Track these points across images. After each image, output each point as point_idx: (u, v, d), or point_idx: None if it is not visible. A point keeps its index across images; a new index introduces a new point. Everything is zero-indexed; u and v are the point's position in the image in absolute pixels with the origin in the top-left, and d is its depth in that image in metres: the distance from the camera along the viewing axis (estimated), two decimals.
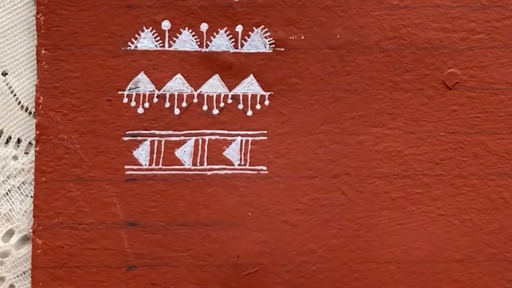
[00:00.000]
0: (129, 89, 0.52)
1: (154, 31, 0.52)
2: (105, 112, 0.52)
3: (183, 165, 0.52)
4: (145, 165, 0.52)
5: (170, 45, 0.52)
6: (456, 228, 0.52)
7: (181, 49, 0.52)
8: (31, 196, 0.52)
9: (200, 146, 0.52)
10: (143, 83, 0.52)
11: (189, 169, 0.52)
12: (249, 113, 0.52)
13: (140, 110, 0.52)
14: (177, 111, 0.52)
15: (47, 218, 0.52)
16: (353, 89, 0.52)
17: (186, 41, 0.52)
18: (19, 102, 0.53)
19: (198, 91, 0.52)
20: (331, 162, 0.52)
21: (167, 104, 0.52)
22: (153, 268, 0.52)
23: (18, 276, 0.53)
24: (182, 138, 0.52)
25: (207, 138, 0.52)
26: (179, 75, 0.52)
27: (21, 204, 0.53)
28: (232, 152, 0.52)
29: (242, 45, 0.52)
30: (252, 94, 0.52)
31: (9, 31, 0.53)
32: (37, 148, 0.52)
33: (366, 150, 0.52)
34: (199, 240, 0.52)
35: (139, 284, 0.52)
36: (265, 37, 0.52)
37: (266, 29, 0.52)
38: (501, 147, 0.52)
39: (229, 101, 0.52)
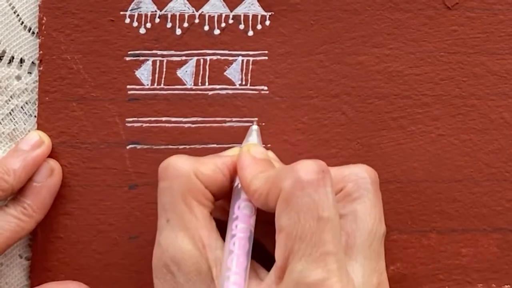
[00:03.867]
0: (131, 10, 0.53)
1: None
2: (107, 32, 0.52)
3: (184, 85, 0.53)
4: (147, 85, 0.53)
5: None
6: (456, 148, 0.53)
7: None
8: (35, 116, 0.53)
9: (201, 66, 0.53)
10: (145, 4, 0.53)
11: (191, 89, 0.53)
12: (250, 33, 0.53)
13: (142, 31, 0.53)
14: (178, 31, 0.53)
15: (50, 137, 0.52)
16: (353, 10, 0.53)
17: None
18: (22, 22, 0.53)
19: (200, 11, 0.53)
20: (331, 82, 0.53)
21: (169, 25, 0.53)
22: (155, 187, 0.52)
23: None
24: (184, 58, 0.53)
25: (208, 58, 0.53)
26: None
27: (24, 124, 0.53)
28: (233, 72, 0.53)
29: None
30: (253, 14, 0.53)
31: None
32: (41, 68, 0.52)
33: (366, 70, 0.53)
34: None
35: (140, 203, 0.52)
36: None
37: None
38: (501, 67, 0.53)
39: (230, 21, 0.53)
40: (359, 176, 0.47)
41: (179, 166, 0.46)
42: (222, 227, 0.47)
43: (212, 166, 0.47)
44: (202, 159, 0.48)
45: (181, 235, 0.45)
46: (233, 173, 0.47)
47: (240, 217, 0.46)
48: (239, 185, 0.47)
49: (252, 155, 0.47)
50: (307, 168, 0.44)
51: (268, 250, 0.48)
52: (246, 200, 0.46)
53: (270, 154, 0.50)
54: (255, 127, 0.51)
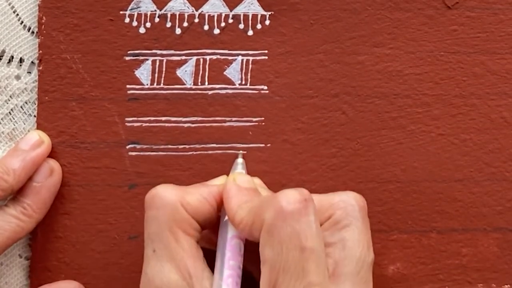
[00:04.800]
0: (131, 9, 0.52)
1: None
2: (107, 31, 0.52)
3: (184, 84, 0.52)
4: (147, 84, 0.52)
5: None
6: (456, 147, 0.52)
7: None
8: (34, 115, 0.53)
9: (201, 66, 0.53)
10: (144, 3, 0.52)
11: (190, 89, 0.53)
12: (250, 32, 0.53)
13: (142, 30, 0.53)
14: (178, 31, 0.53)
15: (49, 137, 0.52)
16: (353, 9, 0.53)
17: None
18: (22, 22, 0.53)
19: (199, 10, 0.53)
20: (331, 82, 0.52)
21: (169, 24, 0.53)
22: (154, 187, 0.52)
23: None
24: (183, 57, 0.53)
25: (208, 57, 0.53)
26: None
27: (24, 123, 0.53)
28: (233, 72, 0.53)
29: None
30: (252, 14, 0.53)
31: None
32: (40, 68, 0.52)
33: (366, 69, 0.52)
34: (200, 159, 0.52)
35: (140, 202, 0.52)
36: None
37: None
38: (501, 66, 0.53)
39: (230, 20, 0.53)
40: (348, 203, 0.47)
41: (165, 196, 0.47)
42: (208, 255, 0.47)
43: (198, 197, 0.47)
44: (189, 188, 0.48)
45: (167, 266, 0.46)
46: (220, 202, 0.48)
47: (232, 253, 0.46)
48: (226, 218, 0.47)
49: (237, 185, 0.48)
50: (289, 197, 0.44)
51: (254, 277, 0.48)
52: (236, 236, 0.47)
53: (257, 181, 0.51)
54: (240, 160, 0.51)
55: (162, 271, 0.45)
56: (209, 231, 0.49)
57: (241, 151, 0.52)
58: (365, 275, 0.46)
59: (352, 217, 0.47)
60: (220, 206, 0.48)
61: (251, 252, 0.47)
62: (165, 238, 0.46)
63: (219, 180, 0.50)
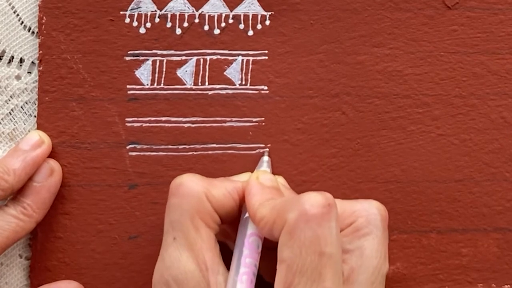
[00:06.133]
0: (131, 9, 0.53)
1: None
2: (107, 32, 0.52)
3: (184, 84, 0.53)
4: (147, 84, 0.52)
5: None
6: (456, 147, 0.52)
7: None
8: (34, 116, 0.53)
9: (201, 66, 0.53)
10: (144, 3, 0.52)
11: (191, 89, 0.53)
12: (250, 33, 0.53)
13: (142, 30, 0.53)
14: (178, 31, 0.53)
15: (50, 137, 0.52)
16: (353, 9, 0.53)
17: None
18: (22, 22, 0.53)
19: (200, 11, 0.53)
20: (331, 82, 0.52)
21: (169, 24, 0.53)
22: (155, 187, 0.52)
23: None
24: (184, 58, 0.53)
25: (208, 58, 0.53)
26: None
27: (24, 124, 0.53)
28: (233, 72, 0.53)
29: None
30: (253, 14, 0.53)
31: None
32: (40, 68, 0.52)
33: (366, 70, 0.52)
34: (200, 159, 0.52)
35: (140, 202, 0.52)
36: None
37: None
38: (501, 67, 0.53)
39: (230, 21, 0.53)
40: (370, 212, 0.47)
41: (192, 185, 0.47)
42: (223, 250, 0.47)
43: (223, 191, 0.47)
44: (214, 181, 0.48)
45: (186, 254, 0.45)
46: (242, 199, 0.48)
47: (249, 251, 0.46)
48: (247, 215, 0.47)
49: (260, 183, 0.48)
50: (313, 200, 0.44)
51: (261, 274, 0.49)
52: (255, 234, 0.47)
53: (281, 180, 0.51)
54: (266, 158, 0.51)
55: (180, 259, 0.45)
56: (228, 226, 0.49)
57: (267, 149, 0.52)
58: (379, 286, 0.46)
59: (373, 226, 0.47)
60: (242, 203, 0.48)
61: (265, 249, 0.47)
62: (186, 227, 0.46)
63: (244, 177, 0.50)
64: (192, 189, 0.47)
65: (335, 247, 0.43)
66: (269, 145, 0.52)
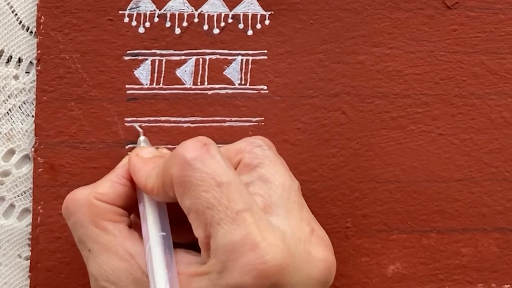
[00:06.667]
0: (130, 9, 0.52)
1: None
2: (106, 31, 0.52)
3: (184, 84, 0.52)
4: (146, 84, 0.52)
5: None
6: (456, 147, 0.52)
7: None
8: (32, 116, 0.53)
9: (200, 66, 0.52)
10: (144, 3, 0.52)
11: (190, 89, 0.52)
12: (250, 32, 0.52)
13: (141, 30, 0.52)
14: (177, 31, 0.52)
15: (48, 137, 0.52)
16: (353, 9, 0.52)
17: None
18: (20, 22, 0.53)
19: (199, 10, 0.52)
20: (331, 82, 0.52)
21: (168, 24, 0.52)
22: None
23: (18, 196, 0.53)
24: (183, 57, 0.52)
25: (207, 57, 0.52)
26: None
27: (22, 124, 0.53)
28: (233, 72, 0.52)
29: None
30: (252, 14, 0.52)
31: None
32: (39, 68, 0.52)
33: (366, 69, 0.52)
34: None
35: None
36: None
37: None
38: (500, 66, 0.53)
39: (230, 20, 0.52)
40: (254, 145, 0.47)
41: (77, 197, 0.47)
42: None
43: (108, 183, 0.47)
44: (98, 181, 0.48)
45: (105, 257, 0.46)
46: (132, 180, 0.48)
47: (157, 222, 0.46)
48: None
49: (141, 157, 0.48)
50: (187, 147, 0.44)
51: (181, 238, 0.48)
52: (155, 205, 0.46)
53: (165, 150, 0.51)
54: (142, 137, 0.51)
55: (103, 264, 0.45)
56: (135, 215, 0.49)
57: (141, 130, 0.52)
58: (296, 198, 0.46)
59: (262, 156, 0.47)
60: (135, 184, 0.48)
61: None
62: (94, 234, 0.46)
63: (125, 161, 0.50)
64: (79, 201, 0.47)
65: (230, 175, 0.43)
66: None
